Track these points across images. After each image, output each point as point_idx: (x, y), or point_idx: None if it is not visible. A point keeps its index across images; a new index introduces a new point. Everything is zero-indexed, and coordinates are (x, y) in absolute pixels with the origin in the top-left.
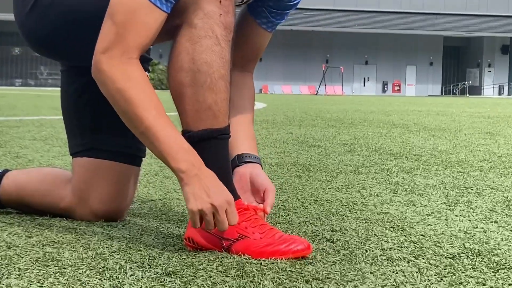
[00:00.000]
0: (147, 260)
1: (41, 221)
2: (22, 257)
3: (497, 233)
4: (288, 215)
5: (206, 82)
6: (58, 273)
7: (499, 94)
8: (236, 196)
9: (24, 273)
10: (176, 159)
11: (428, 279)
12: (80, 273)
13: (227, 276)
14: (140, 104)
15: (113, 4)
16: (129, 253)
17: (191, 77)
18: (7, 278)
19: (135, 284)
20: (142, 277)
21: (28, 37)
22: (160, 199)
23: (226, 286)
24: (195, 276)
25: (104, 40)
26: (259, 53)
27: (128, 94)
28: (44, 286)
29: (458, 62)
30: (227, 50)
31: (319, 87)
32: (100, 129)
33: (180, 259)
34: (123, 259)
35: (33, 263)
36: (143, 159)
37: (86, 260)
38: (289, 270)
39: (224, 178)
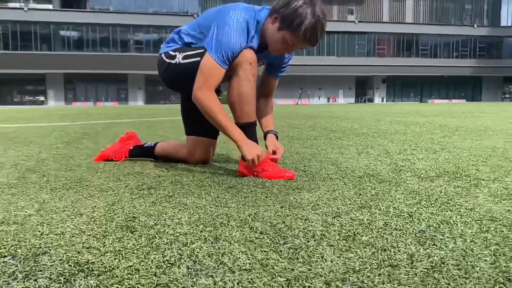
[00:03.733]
0: (222, 179)
1: (173, 164)
2: (184, 179)
3: (380, 165)
4: (289, 164)
5: (245, 101)
6: (209, 180)
7: (382, 101)
8: None
9: (190, 192)
10: (235, 135)
11: (348, 187)
12: (206, 184)
13: (256, 187)
14: (218, 115)
15: (202, 65)
16: (216, 177)
17: (238, 99)
18: (177, 197)
19: (217, 191)
20: (221, 186)
21: (165, 82)
22: (225, 154)
23: (257, 188)
24: (242, 187)
25: (198, 82)
26: (273, 89)
27: (211, 111)
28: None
29: (363, 87)
30: (254, 86)
31: (298, 100)
32: (198, 123)
33: (236, 180)
34: (211, 179)
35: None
36: (218, 136)
37: (201, 174)
38: (284, 184)
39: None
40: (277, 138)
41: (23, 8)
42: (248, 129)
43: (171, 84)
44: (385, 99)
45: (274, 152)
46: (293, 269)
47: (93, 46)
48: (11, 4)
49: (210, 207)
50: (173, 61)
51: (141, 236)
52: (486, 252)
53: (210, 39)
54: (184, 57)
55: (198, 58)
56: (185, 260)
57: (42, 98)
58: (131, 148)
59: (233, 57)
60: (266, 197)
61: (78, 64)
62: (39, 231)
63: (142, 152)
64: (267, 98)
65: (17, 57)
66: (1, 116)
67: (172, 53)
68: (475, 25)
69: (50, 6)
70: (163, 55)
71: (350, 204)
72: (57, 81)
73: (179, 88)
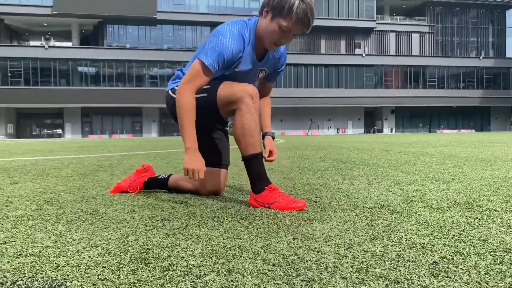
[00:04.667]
0: (234, 210)
1: (186, 195)
2: (197, 211)
3: (391, 196)
4: (300, 195)
5: (249, 133)
6: (218, 207)
7: (391, 132)
8: (268, 183)
9: (202, 223)
10: (187, 141)
11: (359, 218)
12: (215, 211)
13: (268, 218)
14: (184, 116)
15: (192, 66)
16: (228, 208)
17: (242, 132)
18: (187, 228)
19: (229, 222)
20: (233, 217)
21: (173, 116)
22: (237, 185)
23: (269, 219)
24: (254, 218)
25: (185, 79)
26: (270, 90)
27: (182, 109)
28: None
29: (371, 118)
30: (257, 119)
31: (308, 131)
32: (208, 153)
33: (248, 211)
34: (224, 211)
35: (192, 212)
36: (228, 166)
37: (214, 205)
38: (296, 215)
39: (260, 175)
40: (273, 138)
41: (43, 46)
42: (254, 161)
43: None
44: (394, 130)
45: (270, 153)
46: None
47: (109, 81)
48: (32, 43)
49: (223, 239)
50: None
51: (155, 268)
52: (501, 284)
53: (203, 47)
54: None
55: (205, 94)
56: None
57: (59, 131)
58: (146, 180)
59: (224, 62)
60: (278, 228)
61: (95, 98)
62: (55, 263)
63: (156, 184)
64: (265, 98)
65: (37, 92)
66: (20, 149)
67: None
68: (481, 57)
69: (69, 44)
70: (170, 91)
71: (362, 235)
72: (75, 114)
73: None
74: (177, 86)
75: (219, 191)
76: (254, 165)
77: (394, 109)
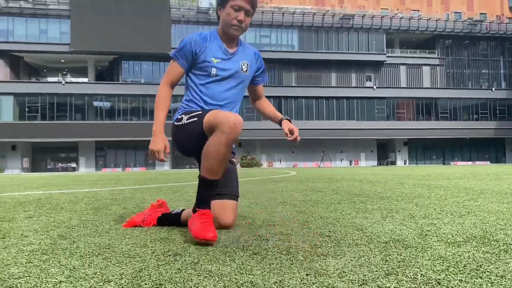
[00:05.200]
0: (246, 245)
1: None
2: (210, 248)
3: (406, 230)
4: (314, 229)
5: (205, 158)
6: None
7: (404, 164)
8: (203, 206)
9: (215, 258)
10: (156, 126)
11: (374, 253)
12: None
13: (281, 254)
14: (157, 105)
15: (170, 63)
16: (240, 242)
17: (204, 154)
18: (201, 263)
19: (241, 257)
20: (245, 252)
21: (175, 144)
22: (249, 217)
23: (282, 255)
24: (266, 253)
25: (164, 76)
26: (261, 92)
27: (157, 100)
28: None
29: (384, 150)
30: (224, 148)
31: (320, 163)
32: (220, 186)
33: (260, 246)
34: (236, 245)
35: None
36: (237, 197)
37: (226, 240)
38: (310, 250)
39: (202, 199)
40: (290, 121)
41: (61, 82)
42: (203, 183)
43: (182, 147)
44: (407, 162)
45: (291, 132)
46: None
47: (124, 115)
48: (50, 79)
49: (235, 275)
50: (180, 123)
51: None
52: None
53: None
54: (188, 118)
55: (195, 119)
56: None
57: (73, 165)
58: (160, 216)
59: (185, 52)
60: (291, 264)
61: (109, 132)
62: None
63: (169, 220)
64: (261, 99)
65: (53, 127)
66: (35, 183)
67: (179, 117)
68: (493, 89)
69: (85, 80)
70: (174, 122)
71: (376, 271)
72: (89, 148)
73: (188, 149)
74: (179, 115)
75: (228, 224)
76: (201, 188)
77: (407, 141)
